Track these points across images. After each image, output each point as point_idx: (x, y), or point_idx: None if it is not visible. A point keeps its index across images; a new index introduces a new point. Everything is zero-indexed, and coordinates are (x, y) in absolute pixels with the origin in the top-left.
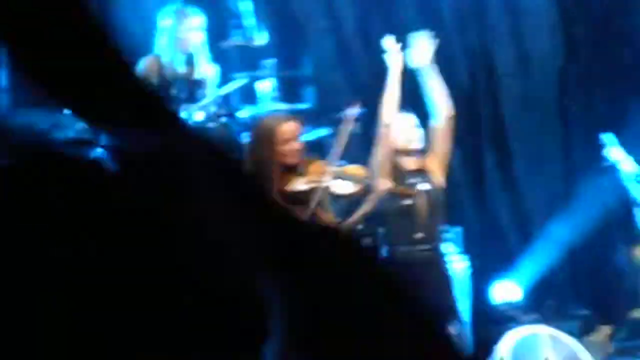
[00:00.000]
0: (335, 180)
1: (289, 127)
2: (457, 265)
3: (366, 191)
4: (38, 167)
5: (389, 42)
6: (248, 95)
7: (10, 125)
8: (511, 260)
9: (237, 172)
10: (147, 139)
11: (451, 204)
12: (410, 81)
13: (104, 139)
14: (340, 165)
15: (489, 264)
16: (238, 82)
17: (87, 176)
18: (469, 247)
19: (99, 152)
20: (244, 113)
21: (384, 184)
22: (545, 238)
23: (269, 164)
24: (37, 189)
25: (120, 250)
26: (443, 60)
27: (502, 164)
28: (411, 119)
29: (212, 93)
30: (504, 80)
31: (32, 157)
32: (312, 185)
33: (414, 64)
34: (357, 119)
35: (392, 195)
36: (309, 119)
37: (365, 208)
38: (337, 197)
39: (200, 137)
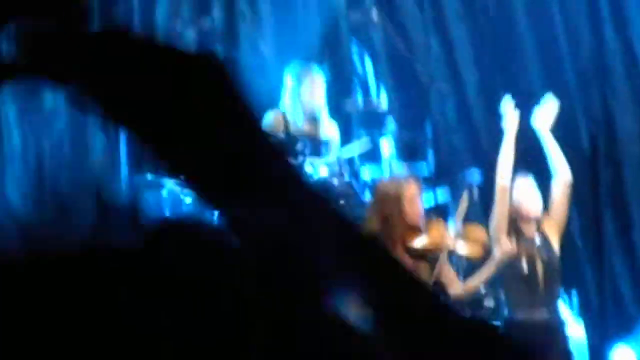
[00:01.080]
0: (457, 240)
1: (412, 188)
2: (575, 330)
3: (488, 253)
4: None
5: (506, 105)
6: (369, 154)
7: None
8: (629, 327)
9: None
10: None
11: (570, 270)
12: (532, 144)
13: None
14: (461, 228)
15: (607, 330)
16: (361, 145)
17: (222, 257)
18: (587, 313)
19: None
20: (366, 172)
21: (507, 246)
22: None
23: (393, 224)
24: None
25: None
26: (565, 123)
27: (622, 231)
28: (531, 182)
29: (335, 152)
30: (625, 146)
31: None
32: (435, 244)
33: (535, 127)
34: (476, 183)
35: (514, 257)
36: (428, 181)
37: (488, 270)
38: (459, 258)
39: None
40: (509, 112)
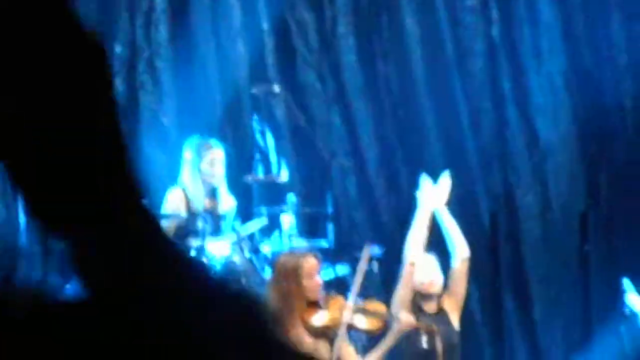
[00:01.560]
0: (356, 315)
1: (311, 263)
2: None
3: (387, 326)
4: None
5: (424, 181)
6: (269, 230)
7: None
8: None
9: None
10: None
11: (470, 348)
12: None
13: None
14: (360, 302)
15: None
16: (260, 222)
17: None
18: None
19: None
20: (267, 248)
21: (407, 319)
22: None
23: (292, 299)
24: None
25: None
26: (466, 200)
27: (522, 308)
28: (433, 260)
29: (234, 227)
30: (525, 223)
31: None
32: (334, 320)
33: (432, 205)
34: (376, 258)
35: (414, 331)
36: (328, 256)
37: (387, 343)
38: (358, 333)
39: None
40: (426, 189)
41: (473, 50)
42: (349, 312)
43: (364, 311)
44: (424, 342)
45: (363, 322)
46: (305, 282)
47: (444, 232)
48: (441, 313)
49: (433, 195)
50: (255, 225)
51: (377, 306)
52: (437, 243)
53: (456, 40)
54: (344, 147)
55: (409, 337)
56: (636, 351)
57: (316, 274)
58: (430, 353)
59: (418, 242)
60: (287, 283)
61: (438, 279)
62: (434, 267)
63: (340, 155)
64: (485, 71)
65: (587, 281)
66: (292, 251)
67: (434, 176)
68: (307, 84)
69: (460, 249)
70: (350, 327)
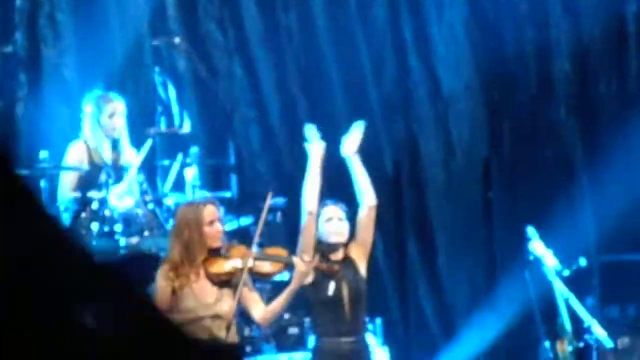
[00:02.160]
0: (258, 261)
1: (209, 210)
2: (380, 356)
3: (290, 268)
4: None
5: (309, 131)
6: (174, 182)
7: None
8: (434, 352)
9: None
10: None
11: (374, 294)
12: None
13: None
14: (262, 249)
15: (411, 354)
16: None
17: None
18: (391, 338)
19: None
20: (170, 200)
21: (307, 260)
22: (468, 330)
23: (194, 247)
24: None
25: None
26: (369, 149)
27: (426, 255)
28: (339, 210)
29: (137, 180)
30: (428, 171)
31: None
32: (236, 267)
33: (342, 153)
34: (279, 208)
35: (320, 279)
36: (232, 207)
37: (290, 287)
38: (263, 283)
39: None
40: (313, 138)
41: (375, 0)
42: (250, 257)
43: (265, 256)
44: (331, 289)
45: (264, 267)
46: (205, 229)
47: (353, 180)
48: (347, 261)
49: (318, 146)
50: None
51: (278, 251)
52: (345, 191)
53: None
54: (246, 98)
55: (316, 285)
56: (540, 297)
57: (216, 221)
58: (337, 300)
59: (313, 192)
60: (188, 232)
61: (343, 228)
62: (339, 215)
63: (242, 106)
64: (387, 21)
65: (490, 228)
66: (190, 201)
67: (338, 125)
68: (209, 34)
69: (367, 197)
70: (252, 272)
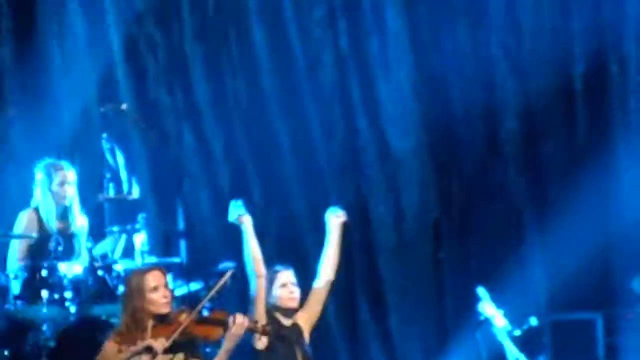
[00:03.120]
0: (198, 325)
1: (153, 276)
2: None
3: (225, 328)
4: None
5: (235, 205)
6: (125, 248)
7: None
8: None
9: None
10: None
11: (326, 356)
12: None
13: None
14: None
15: None
16: (113, 242)
17: None
18: None
19: None
20: (120, 266)
21: (239, 320)
22: None
23: (140, 314)
24: None
25: None
26: (319, 211)
27: (377, 316)
28: (292, 275)
29: (84, 245)
30: (379, 233)
31: None
32: (179, 332)
33: (327, 219)
34: (229, 273)
35: (251, 331)
36: (182, 272)
37: (225, 346)
38: (204, 341)
39: None
40: (240, 212)
41: (322, 62)
42: (190, 322)
43: (205, 320)
44: (283, 357)
45: (202, 330)
46: (150, 296)
47: (325, 250)
48: (296, 327)
49: (247, 219)
50: (108, 244)
51: (220, 315)
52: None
53: (305, 53)
54: (195, 163)
55: (270, 350)
56: (491, 357)
57: (161, 287)
58: None
59: (256, 258)
60: (134, 299)
61: (297, 293)
62: (293, 281)
63: (192, 171)
64: (335, 82)
65: (441, 288)
66: (136, 268)
67: (287, 188)
68: (157, 100)
69: (331, 271)
70: (191, 335)
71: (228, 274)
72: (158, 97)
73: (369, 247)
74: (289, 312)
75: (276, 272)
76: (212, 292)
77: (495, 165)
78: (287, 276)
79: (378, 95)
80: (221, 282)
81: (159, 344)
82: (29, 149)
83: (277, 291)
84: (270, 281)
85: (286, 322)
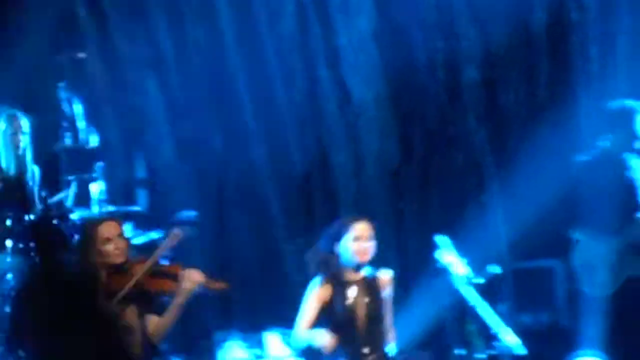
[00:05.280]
0: (151, 277)
1: (106, 227)
2: None
3: (178, 284)
4: None
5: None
6: (79, 197)
7: None
8: None
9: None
10: None
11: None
12: None
13: None
14: (162, 264)
15: None
16: (69, 192)
17: None
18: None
19: None
20: (75, 215)
21: (192, 276)
22: None
23: (94, 264)
24: None
25: None
26: (280, 161)
27: None
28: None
29: (40, 195)
30: (339, 181)
31: None
32: (131, 284)
33: None
34: (190, 221)
35: (204, 287)
36: (142, 221)
37: (175, 301)
38: (157, 293)
39: None
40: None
41: (283, 11)
42: (144, 274)
43: (159, 273)
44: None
45: (154, 284)
46: (103, 247)
47: None
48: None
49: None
50: (60, 195)
51: (173, 268)
52: None
53: (266, 2)
54: (157, 112)
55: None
56: (451, 305)
57: (115, 238)
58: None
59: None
60: (87, 249)
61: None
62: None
63: (154, 120)
64: (296, 32)
65: (402, 238)
66: (90, 218)
67: (247, 137)
68: (118, 49)
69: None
70: (144, 288)
71: (178, 232)
72: (118, 46)
73: (330, 196)
74: (361, 266)
75: (351, 223)
76: (163, 246)
77: (456, 114)
78: (362, 228)
79: (339, 44)
80: (171, 238)
81: None
82: None
83: (349, 244)
84: (345, 232)
85: (355, 276)
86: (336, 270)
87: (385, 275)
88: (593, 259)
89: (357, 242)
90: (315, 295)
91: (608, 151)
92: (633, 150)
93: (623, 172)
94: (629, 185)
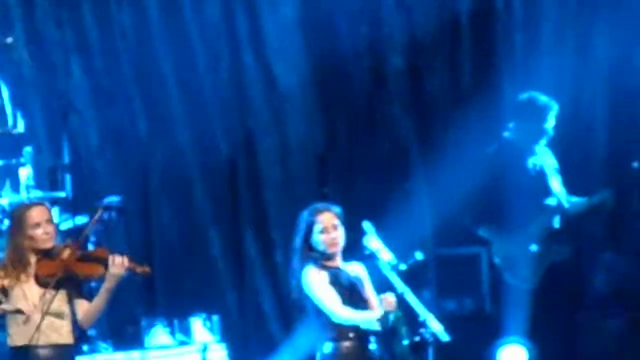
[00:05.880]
0: (79, 262)
1: (36, 212)
2: (216, 353)
3: (106, 267)
4: None
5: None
6: (9, 182)
7: None
8: (272, 348)
9: None
10: None
11: (212, 294)
12: None
13: None
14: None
15: (250, 351)
16: None
17: None
18: (229, 335)
19: None
20: (4, 200)
21: (118, 261)
22: (306, 326)
23: (22, 250)
24: None
25: None
26: (204, 146)
27: (263, 251)
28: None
29: None
30: (265, 168)
31: None
32: (62, 268)
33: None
34: (114, 206)
35: (131, 272)
36: (68, 206)
37: (105, 286)
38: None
39: None
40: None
41: None
42: (71, 260)
43: (87, 257)
44: None
45: (84, 267)
46: (32, 232)
47: None
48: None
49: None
50: None
51: (101, 253)
52: None
53: None
54: (83, 97)
55: None
56: (377, 291)
57: (45, 223)
58: None
59: None
60: (16, 234)
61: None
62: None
63: (79, 105)
64: (221, 16)
65: None
66: (20, 203)
67: (172, 122)
68: (45, 33)
69: None
70: (72, 273)
71: (100, 211)
72: (45, 31)
73: (255, 181)
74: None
75: (316, 214)
76: (89, 228)
77: (381, 100)
78: (327, 218)
79: (264, 29)
80: (96, 217)
81: (29, 306)
82: None
83: (317, 236)
84: (313, 224)
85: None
86: (319, 260)
87: (359, 266)
88: (511, 254)
89: (325, 234)
90: (320, 277)
91: (510, 142)
92: (537, 143)
93: (526, 162)
94: (535, 175)
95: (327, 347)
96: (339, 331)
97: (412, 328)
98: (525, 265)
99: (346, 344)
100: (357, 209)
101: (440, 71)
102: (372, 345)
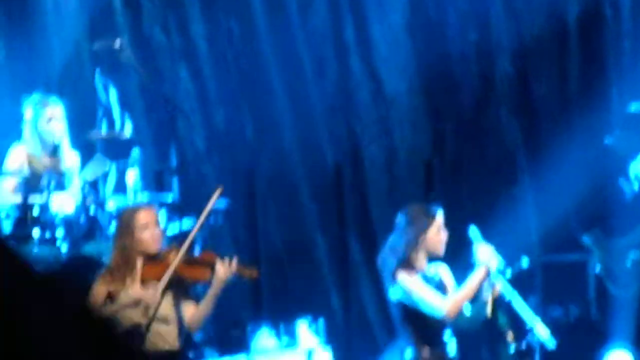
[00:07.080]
0: (186, 266)
1: (143, 215)
2: (321, 356)
3: (213, 271)
4: None
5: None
6: (117, 185)
7: None
8: (376, 353)
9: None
10: None
11: (317, 297)
12: None
13: None
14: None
15: (354, 354)
16: (98, 165)
17: None
18: (334, 338)
19: None
20: (112, 203)
21: (224, 268)
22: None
23: (130, 253)
24: None
25: None
26: (310, 152)
27: (368, 257)
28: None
29: (76, 183)
30: (370, 174)
31: None
32: (167, 275)
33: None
34: (221, 210)
35: (240, 276)
36: (175, 210)
37: (211, 291)
38: (192, 282)
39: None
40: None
41: (315, 1)
42: (178, 262)
43: (194, 261)
44: None
45: (190, 271)
46: (140, 235)
47: None
48: None
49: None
50: (94, 168)
51: (208, 257)
52: None
53: None
54: (190, 101)
55: None
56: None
57: (152, 226)
58: None
59: None
60: (124, 237)
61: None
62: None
63: (186, 109)
64: (328, 22)
65: None
66: (128, 206)
67: (279, 127)
68: (152, 38)
69: None
70: (180, 277)
71: (217, 193)
72: (152, 35)
73: (360, 186)
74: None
75: (433, 214)
76: (199, 224)
77: (489, 106)
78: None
79: (371, 35)
80: (211, 203)
81: (150, 296)
82: (17, 82)
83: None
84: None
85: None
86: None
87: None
88: (612, 262)
89: (441, 232)
90: (418, 278)
91: (612, 149)
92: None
93: (627, 170)
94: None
95: (408, 352)
96: (422, 336)
97: (519, 335)
98: (626, 273)
99: (426, 350)
100: (463, 216)
101: (547, 77)
102: (451, 352)
